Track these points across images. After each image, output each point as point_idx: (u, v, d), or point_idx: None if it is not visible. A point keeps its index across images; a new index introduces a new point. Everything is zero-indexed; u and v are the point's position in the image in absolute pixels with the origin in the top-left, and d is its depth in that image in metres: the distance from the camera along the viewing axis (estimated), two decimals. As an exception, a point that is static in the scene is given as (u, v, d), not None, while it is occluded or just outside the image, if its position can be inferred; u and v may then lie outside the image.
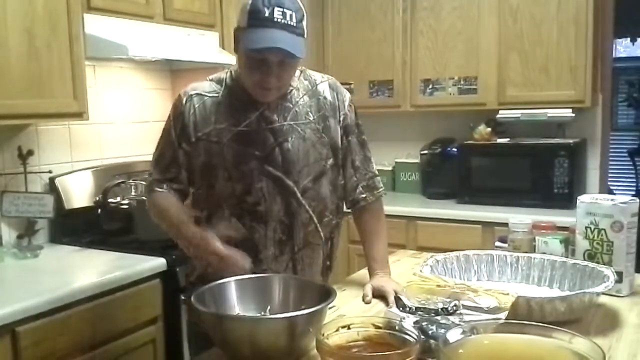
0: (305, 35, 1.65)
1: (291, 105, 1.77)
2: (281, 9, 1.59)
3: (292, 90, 1.78)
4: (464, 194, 3.65)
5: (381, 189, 1.92)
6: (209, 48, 3.11)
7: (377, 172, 1.93)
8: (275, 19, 1.58)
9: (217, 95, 1.77)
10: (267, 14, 1.58)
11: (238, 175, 1.73)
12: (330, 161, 1.80)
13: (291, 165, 1.74)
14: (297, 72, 1.79)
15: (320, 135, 1.78)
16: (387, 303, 1.65)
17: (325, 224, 1.83)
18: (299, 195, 1.75)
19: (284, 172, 1.74)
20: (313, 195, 1.78)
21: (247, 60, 1.66)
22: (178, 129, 1.77)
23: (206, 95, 1.77)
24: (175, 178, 1.80)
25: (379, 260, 1.87)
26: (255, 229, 1.74)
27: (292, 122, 1.75)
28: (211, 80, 1.82)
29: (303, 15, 1.64)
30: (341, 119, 1.82)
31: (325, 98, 1.81)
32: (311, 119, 1.77)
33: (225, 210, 1.76)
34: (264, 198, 1.73)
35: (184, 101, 1.77)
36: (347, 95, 1.87)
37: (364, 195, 1.88)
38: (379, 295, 1.73)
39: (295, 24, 1.61)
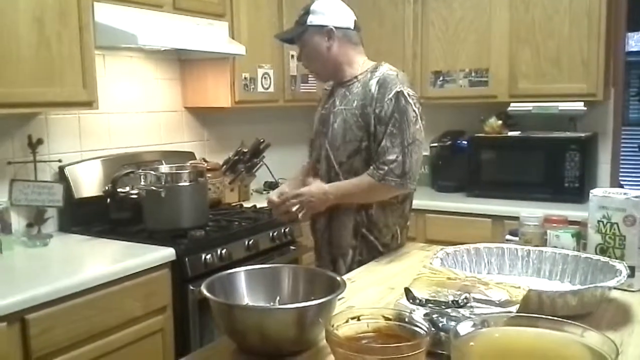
0: (308, 23, 2.18)
1: (348, 94, 2.18)
2: (301, 10, 2.22)
3: (355, 81, 2.18)
4: (474, 187, 3.63)
5: (380, 172, 2.04)
6: (219, 38, 3.10)
7: (391, 159, 2.04)
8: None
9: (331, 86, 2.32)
10: None
11: (315, 146, 2.30)
12: (365, 143, 2.10)
13: (333, 141, 2.17)
14: (372, 66, 2.18)
15: (357, 120, 2.11)
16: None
17: None
18: (337, 167, 2.16)
19: (330, 146, 2.19)
20: (347, 168, 2.15)
21: None
22: None
23: (327, 86, 2.36)
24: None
25: (335, 183, 2.15)
26: None
27: (342, 107, 2.18)
28: None
29: (308, 11, 2.18)
30: (377, 110, 2.07)
31: (370, 90, 2.11)
32: (354, 105, 2.13)
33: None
34: (320, 164, 2.22)
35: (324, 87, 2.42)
36: (394, 90, 2.07)
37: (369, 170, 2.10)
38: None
39: (298, 18, 2.22)
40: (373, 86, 2.10)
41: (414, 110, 2.07)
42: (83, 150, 2.90)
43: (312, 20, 2.17)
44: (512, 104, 3.57)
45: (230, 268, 1.51)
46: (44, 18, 2.27)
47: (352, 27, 2.22)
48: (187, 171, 2.73)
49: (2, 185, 2.52)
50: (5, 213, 2.46)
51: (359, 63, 2.22)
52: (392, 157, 2.03)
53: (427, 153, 3.96)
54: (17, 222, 2.60)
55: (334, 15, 2.19)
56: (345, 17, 2.21)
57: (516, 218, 2.08)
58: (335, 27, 2.17)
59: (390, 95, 2.06)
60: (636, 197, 1.69)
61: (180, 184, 2.66)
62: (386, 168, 2.03)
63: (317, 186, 2.15)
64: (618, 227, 1.71)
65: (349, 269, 2.10)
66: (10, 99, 2.19)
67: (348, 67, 2.21)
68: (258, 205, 3.27)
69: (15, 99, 2.21)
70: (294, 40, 2.25)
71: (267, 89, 3.50)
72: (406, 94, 2.07)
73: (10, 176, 2.55)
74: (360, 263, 2.11)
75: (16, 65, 2.20)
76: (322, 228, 2.25)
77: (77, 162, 2.82)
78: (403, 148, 2.03)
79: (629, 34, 6.60)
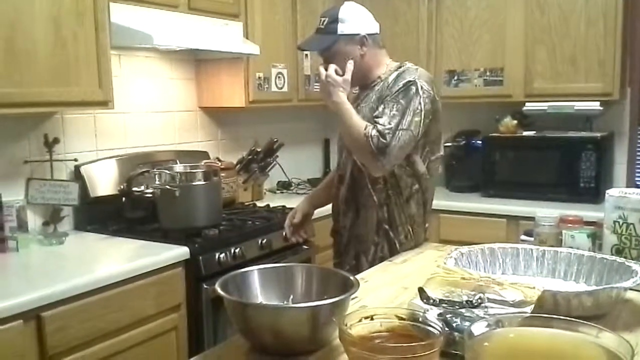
0: (339, 32, 2.12)
1: (372, 93, 2.18)
2: (321, 18, 2.19)
3: (379, 81, 2.18)
4: (488, 187, 3.62)
5: (371, 131, 1.97)
6: (234, 38, 3.11)
7: (383, 131, 1.97)
8: (317, 27, 2.20)
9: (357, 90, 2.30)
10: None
11: (340, 146, 2.31)
12: None
13: None
14: (396, 66, 2.19)
15: (374, 112, 2.08)
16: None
17: (378, 190, 2.16)
18: (360, 163, 2.14)
19: None
20: None
21: None
22: None
23: (354, 90, 2.30)
24: None
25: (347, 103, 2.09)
26: (338, 188, 2.29)
27: (363, 104, 2.18)
28: None
29: (335, 19, 2.13)
30: (388, 97, 2.07)
31: (388, 84, 2.12)
32: (372, 100, 2.15)
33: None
34: (344, 163, 2.24)
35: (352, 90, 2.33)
36: (407, 78, 2.07)
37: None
38: None
39: (324, 27, 2.17)
40: (391, 80, 2.11)
41: (420, 103, 2.03)
42: (98, 150, 2.92)
43: (342, 29, 2.13)
44: (527, 104, 3.54)
45: (244, 267, 1.52)
46: (60, 18, 2.29)
47: (379, 31, 2.22)
48: (201, 170, 2.74)
49: (19, 184, 2.55)
50: (21, 211, 2.48)
51: (385, 64, 2.22)
52: (386, 129, 1.97)
53: (441, 153, 3.94)
54: (33, 220, 2.62)
55: (364, 22, 2.17)
56: (373, 23, 2.20)
57: (531, 218, 2.07)
58: (368, 34, 2.16)
59: (402, 82, 2.05)
60: (653, 197, 1.68)
61: (194, 183, 2.67)
62: (376, 134, 1.97)
63: (341, 81, 2.06)
64: (634, 227, 1.69)
65: (371, 265, 2.10)
66: (26, 99, 2.21)
67: (375, 70, 2.20)
68: (271, 205, 3.28)
69: (31, 98, 2.23)
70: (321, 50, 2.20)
71: (281, 88, 3.50)
72: (419, 86, 2.04)
73: (27, 175, 2.58)
74: (382, 259, 2.12)
75: (32, 65, 2.22)
76: (349, 225, 2.25)
77: (93, 161, 2.84)
78: (395, 130, 1.98)
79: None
